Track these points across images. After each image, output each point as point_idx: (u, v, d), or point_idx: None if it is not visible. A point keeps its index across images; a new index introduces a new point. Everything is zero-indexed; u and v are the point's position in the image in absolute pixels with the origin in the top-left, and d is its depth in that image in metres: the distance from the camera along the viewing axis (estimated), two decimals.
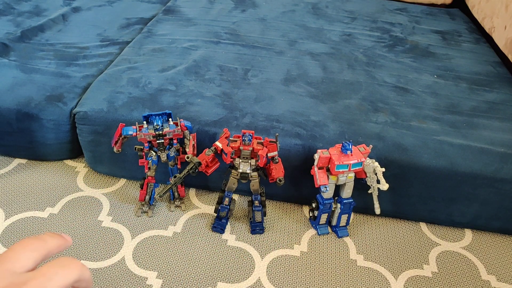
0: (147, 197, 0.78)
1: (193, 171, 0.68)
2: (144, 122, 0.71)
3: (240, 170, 0.70)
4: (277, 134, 0.70)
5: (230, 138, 0.71)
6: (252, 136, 0.69)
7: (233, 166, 0.71)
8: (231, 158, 0.69)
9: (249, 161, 0.70)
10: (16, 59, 0.92)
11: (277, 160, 0.70)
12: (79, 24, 1.09)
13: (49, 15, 1.11)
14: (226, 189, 0.73)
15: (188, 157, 0.69)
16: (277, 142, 0.70)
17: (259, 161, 0.69)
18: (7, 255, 0.29)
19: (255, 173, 0.71)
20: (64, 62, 0.93)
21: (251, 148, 0.69)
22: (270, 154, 0.69)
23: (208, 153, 0.69)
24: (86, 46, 1.00)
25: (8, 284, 0.29)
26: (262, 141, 0.70)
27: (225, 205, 0.74)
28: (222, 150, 0.69)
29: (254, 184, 0.71)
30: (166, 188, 0.68)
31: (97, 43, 1.02)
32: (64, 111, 0.82)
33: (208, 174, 0.71)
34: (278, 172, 0.70)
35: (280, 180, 0.68)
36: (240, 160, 0.70)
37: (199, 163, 0.68)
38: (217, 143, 0.69)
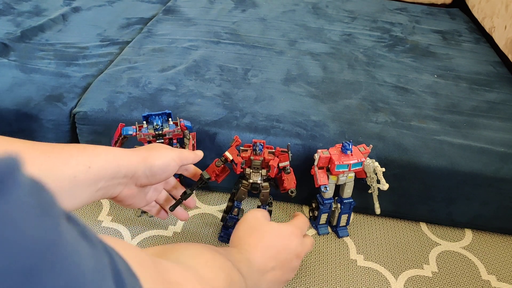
0: None
1: (202, 185, 0.67)
2: (144, 122, 0.71)
3: (251, 181, 0.68)
4: (288, 144, 0.69)
5: (241, 147, 0.69)
6: (263, 145, 0.67)
7: (243, 176, 0.69)
8: (241, 168, 0.67)
9: (260, 171, 0.68)
10: (16, 59, 0.92)
11: (288, 170, 0.68)
12: (79, 24, 1.10)
13: (49, 15, 1.11)
14: (235, 198, 0.70)
15: (201, 175, 0.68)
16: (289, 152, 0.68)
17: (270, 171, 0.67)
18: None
19: (266, 184, 0.69)
20: (64, 62, 0.93)
21: (262, 158, 0.67)
22: (281, 164, 0.67)
23: (218, 164, 0.66)
24: (86, 46, 1.00)
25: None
26: (274, 150, 0.68)
27: (234, 215, 0.71)
28: (232, 160, 0.66)
29: (264, 195, 0.69)
30: (176, 203, 0.68)
31: (97, 43, 1.02)
32: (64, 111, 0.82)
33: (218, 182, 0.69)
34: (290, 183, 0.67)
35: (292, 192, 0.66)
36: (251, 170, 0.68)
37: (209, 179, 0.66)
38: (227, 153, 0.67)
